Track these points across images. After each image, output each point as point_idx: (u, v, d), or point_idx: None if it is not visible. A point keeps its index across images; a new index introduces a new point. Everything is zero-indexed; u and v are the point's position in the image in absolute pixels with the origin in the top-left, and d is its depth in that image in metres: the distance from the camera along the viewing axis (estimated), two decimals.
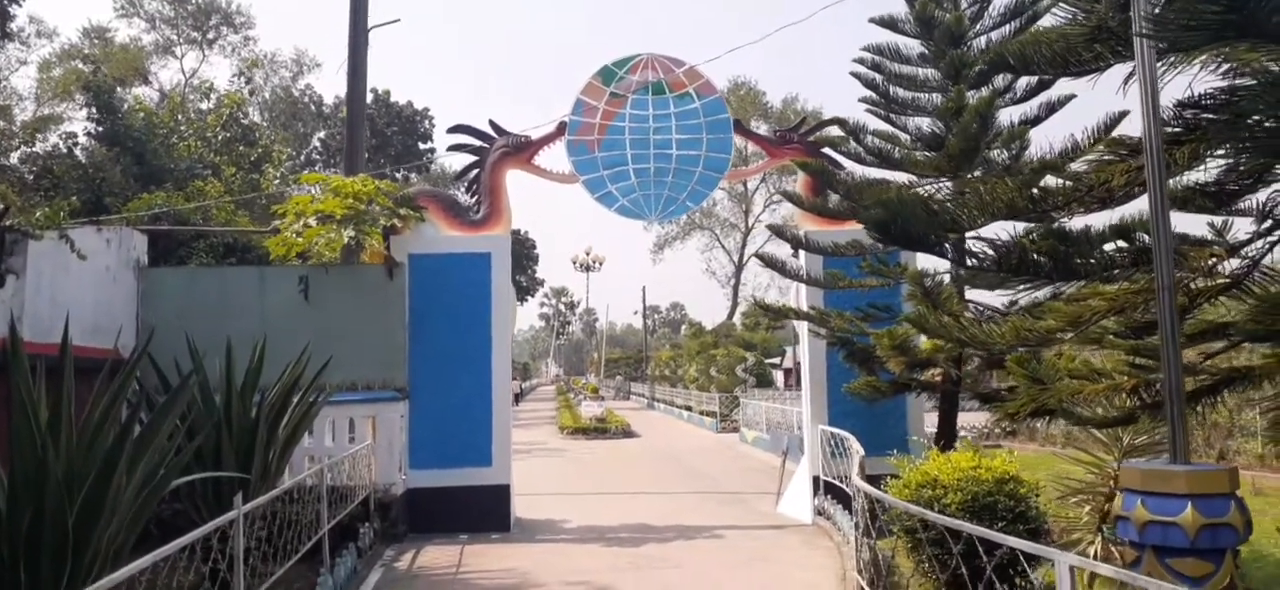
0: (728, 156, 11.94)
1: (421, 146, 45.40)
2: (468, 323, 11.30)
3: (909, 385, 9.43)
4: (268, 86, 45.22)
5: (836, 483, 10.65)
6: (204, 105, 29.61)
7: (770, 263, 10.40)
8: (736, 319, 47.44)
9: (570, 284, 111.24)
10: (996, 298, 10.20)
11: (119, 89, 26.78)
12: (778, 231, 10.47)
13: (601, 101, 11.86)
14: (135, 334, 10.48)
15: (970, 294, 8.95)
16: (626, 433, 29.68)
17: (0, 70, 31.56)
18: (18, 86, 32.47)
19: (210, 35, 40.39)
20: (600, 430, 29.28)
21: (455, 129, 11.89)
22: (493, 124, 11.89)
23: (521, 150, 11.79)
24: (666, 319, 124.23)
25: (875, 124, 9.96)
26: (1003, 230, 7.56)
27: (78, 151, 21.73)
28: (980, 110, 8.55)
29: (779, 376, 40.45)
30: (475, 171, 11.79)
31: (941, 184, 9.30)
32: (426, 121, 44.96)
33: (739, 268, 59.11)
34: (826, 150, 10.38)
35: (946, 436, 9.49)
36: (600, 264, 59.70)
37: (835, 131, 10.97)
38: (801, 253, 10.97)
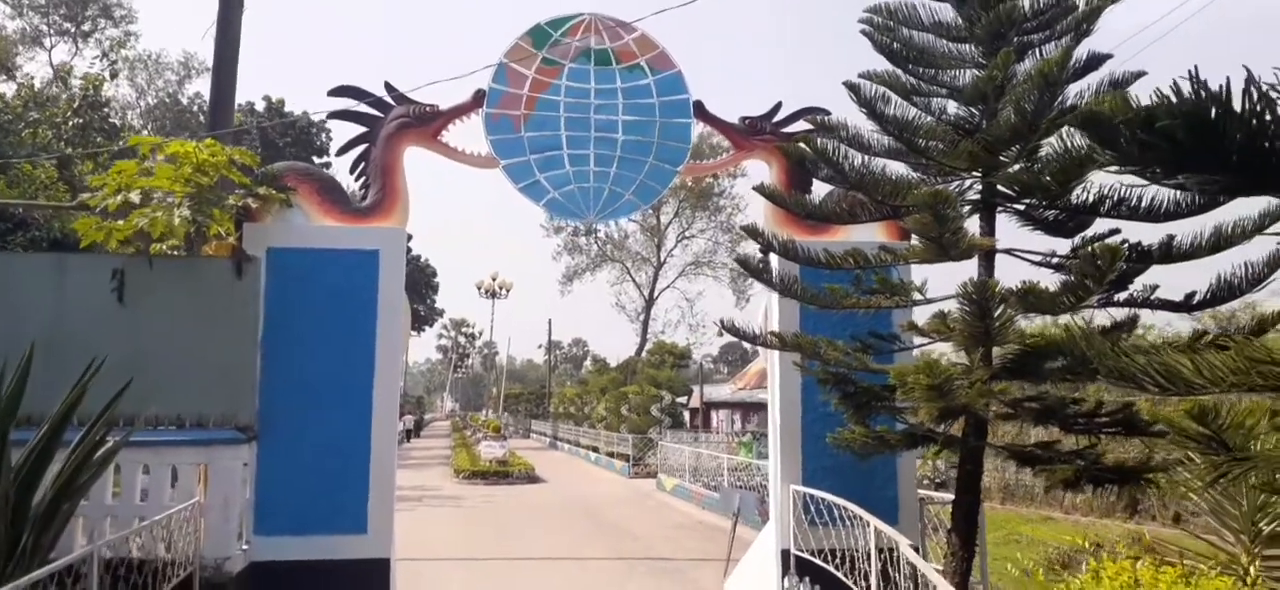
0: (686, 146, 9.65)
1: (316, 160, 41.82)
2: (344, 340, 8.51)
3: (930, 437, 7.25)
4: (151, 90, 40.91)
5: (814, 559, 8.42)
6: (68, 92, 25.70)
7: (751, 268, 8.10)
8: (644, 355, 45.56)
9: (469, 315, 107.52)
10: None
11: None
12: (753, 233, 8.19)
13: (531, 69, 9.40)
14: None
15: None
16: (531, 478, 26.85)
17: None
18: None
19: (86, 27, 35.85)
20: (502, 474, 26.33)
21: (339, 90, 9.17)
22: (389, 87, 9.25)
23: (426, 123, 9.14)
24: (568, 355, 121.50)
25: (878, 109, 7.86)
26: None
27: None
28: (1047, 73, 6.49)
29: (686, 417, 38.92)
30: (364, 147, 9.10)
31: (971, 178, 7.26)
32: (324, 134, 41.25)
33: (650, 303, 57.25)
34: (819, 138, 8.19)
35: (968, 504, 7.36)
36: (508, 290, 56.50)
37: (819, 118, 8.84)
38: (773, 260, 8.67)
